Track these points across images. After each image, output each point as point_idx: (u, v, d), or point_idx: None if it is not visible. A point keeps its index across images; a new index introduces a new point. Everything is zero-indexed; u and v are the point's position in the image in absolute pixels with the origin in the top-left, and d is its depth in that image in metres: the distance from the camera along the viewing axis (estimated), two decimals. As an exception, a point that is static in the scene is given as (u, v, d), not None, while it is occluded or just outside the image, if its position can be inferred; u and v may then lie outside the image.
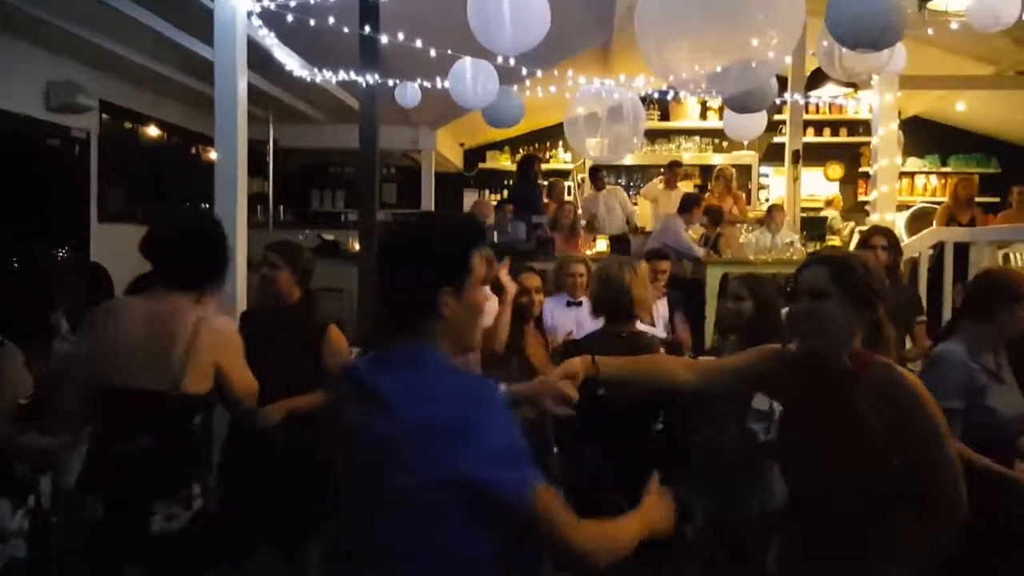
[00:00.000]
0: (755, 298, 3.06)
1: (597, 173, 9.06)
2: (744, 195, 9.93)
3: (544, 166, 11.41)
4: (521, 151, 11.41)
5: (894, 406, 1.85)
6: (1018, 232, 6.17)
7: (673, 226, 7.05)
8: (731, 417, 2.93)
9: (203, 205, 9.00)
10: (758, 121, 5.96)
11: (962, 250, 5.91)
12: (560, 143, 11.39)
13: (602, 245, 8.07)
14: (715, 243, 7.23)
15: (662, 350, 3.07)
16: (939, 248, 6.15)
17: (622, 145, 5.62)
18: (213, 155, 9.08)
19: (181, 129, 8.29)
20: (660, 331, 4.66)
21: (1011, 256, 6.08)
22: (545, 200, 8.81)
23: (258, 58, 5.78)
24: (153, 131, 7.85)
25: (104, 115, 6.89)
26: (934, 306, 5.62)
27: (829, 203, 10.72)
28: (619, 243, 8.00)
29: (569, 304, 4.44)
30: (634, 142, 5.85)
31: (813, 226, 10.37)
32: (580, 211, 8.47)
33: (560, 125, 10.84)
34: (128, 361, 2.39)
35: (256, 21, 5.06)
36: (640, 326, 3.27)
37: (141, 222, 7.54)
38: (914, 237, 6.82)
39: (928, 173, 11.06)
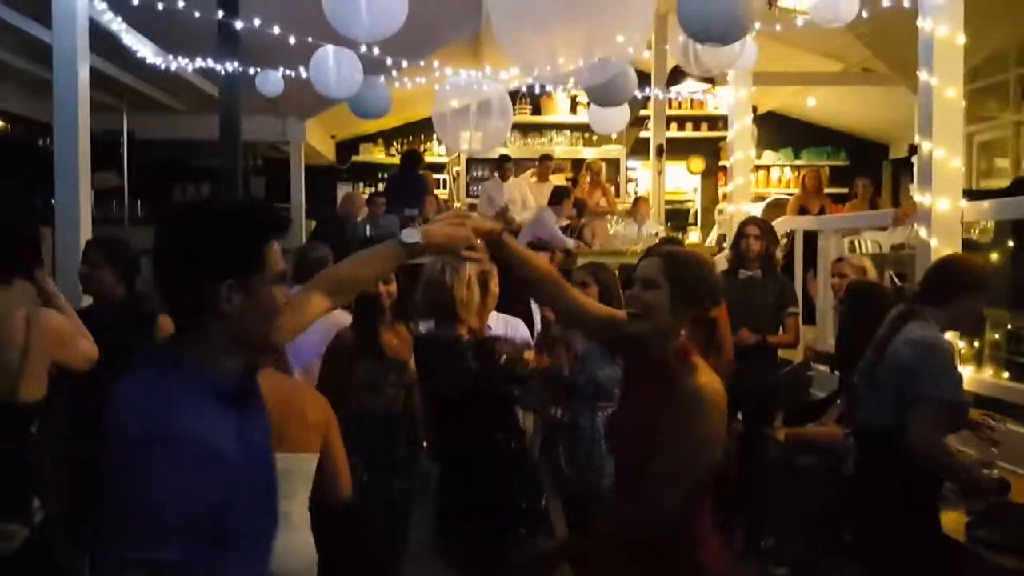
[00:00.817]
0: (599, 284, 3.17)
1: (504, 163, 8.98)
2: (613, 188, 10.19)
3: (417, 161, 11.39)
4: (396, 144, 11.33)
5: (682, 404, 1.90)
6: (862, 220, 6.57)
7: (545, 218, 7.14)
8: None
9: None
10: (621, 115, 6.11)
11: (811, 238, 6.26)
12: (435, 136, 11.34)
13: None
14: (579, 234, 7.39)
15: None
16: (791, 236, 6.49)
17: (494, 138, 5.65)
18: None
19: (24, 119, 7.76)
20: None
21: (856, 244, 6.48)
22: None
23: (105, 43, 5.48)
24: (-5, 121, 7.33)
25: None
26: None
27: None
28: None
29: None
30: (506, 135, 5.89)
31: (677, 217, 10.78)
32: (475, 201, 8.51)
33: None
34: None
35: (100, 4, 4.79)
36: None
37: None
38: (768, 226, 7.18)
39: (782, 166, 11.65)
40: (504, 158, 9.10)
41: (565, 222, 7.45)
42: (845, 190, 9.64)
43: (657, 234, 8.07)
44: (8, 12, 5.41)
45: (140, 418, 1.32)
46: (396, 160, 11.21)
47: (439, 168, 11.24)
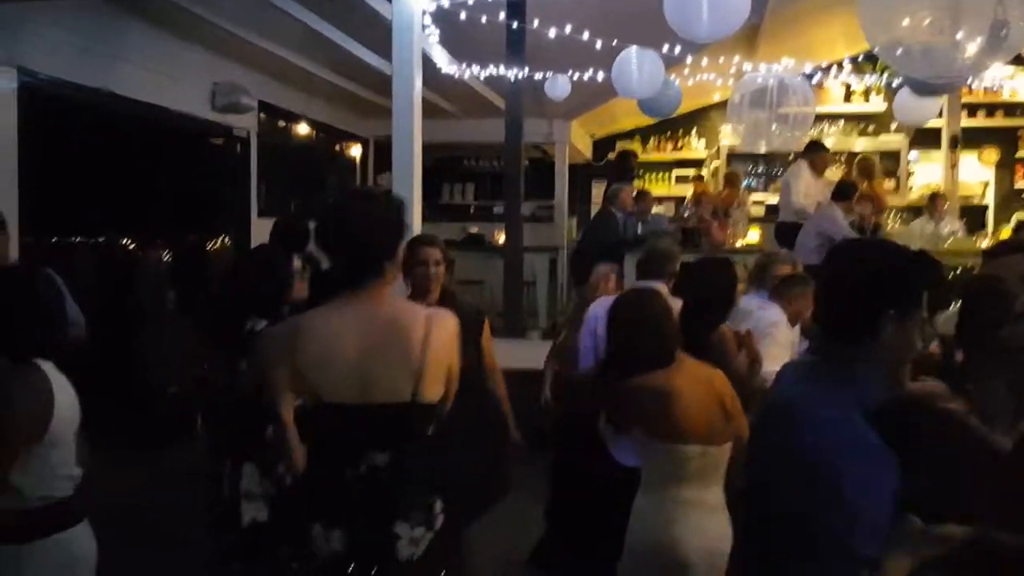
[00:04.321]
0: None
1: (816, 151, 7.91)
2: (885, 181, 9.44)
3: (675, 155, 11.22)
4: (652, 139, 11.22)
5: None
6: None
7: (834, 214, 6.73)
8: None
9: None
10: (934, 105, 5.63)
11: None
12: (693, 130, 11.12)
13: (754, 235, 7.83)
14: (874, 232, 6.90)
15: None
16: None
17: (800, 125, 5.43)
18: (354, 151, 9.43)
19: (327, 127, 8.53)
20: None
21: None
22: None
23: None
24: (303, 129, 8.10)
25: (261, 114, 7.14)
26: None
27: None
28: (786, 231, 7.51)
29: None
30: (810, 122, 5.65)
31: (969, 214, 9.79)
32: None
33: (693, 113, 10.81)
34: (356, 376, 2.14)
35: (432, 37, 5.12)
36: None
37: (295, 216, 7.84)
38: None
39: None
40: (817, 145, 8.01)
41: (851, 218, 7.00)
42: None
43: (955, 233, 7.42)
44: (331, 30, 5.95)
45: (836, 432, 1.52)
46: (652, 156, 11.15)
47: (697, 163, 11.02)
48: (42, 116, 4.90)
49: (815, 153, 7.65)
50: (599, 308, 3.86)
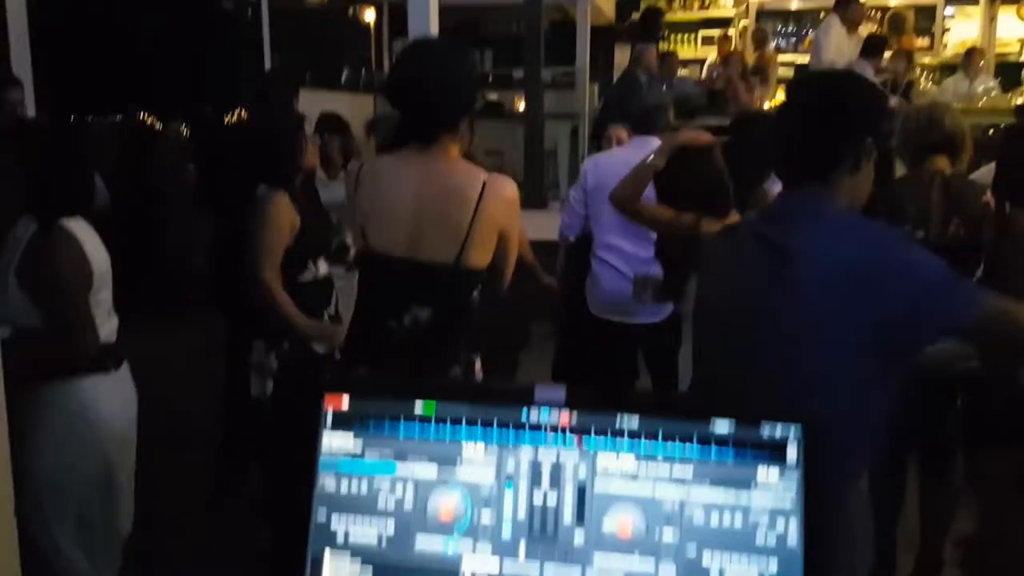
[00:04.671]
0: None
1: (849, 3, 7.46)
2: (918, 39, 9.04)
3: (702, 14, 10.78)
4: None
5: None
6: None
7: (860, 71, 6.50)
8: None
9: (362, 68, 9.08)
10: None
11: None
12: (722, -13, 10.63)
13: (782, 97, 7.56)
14: (906, 91, 6.66)
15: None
16: None
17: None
18: (368, 16, 9.12)
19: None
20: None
21: None
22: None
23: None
24: (315, -8, 7.84)
25: (272, -23, 6.90)
26: None
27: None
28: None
29: None
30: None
31: (1006, 72, 9.40)
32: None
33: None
34: (405, 230, 2.15)
35: None
36: None
37: (310, 86, 7.68)
38: None
39: None
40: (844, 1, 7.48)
41: (883, 76, 6.75)
42: None
43: (991, 91, 7.15)
44: None
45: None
46: (678, 16, 10.71)
47: (724, 23, 10.59)
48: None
49: (847, 7, 7.26)
50: (590, 164, 3.85)
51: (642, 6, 11.00)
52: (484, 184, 2.12)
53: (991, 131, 6.29)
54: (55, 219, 2.34)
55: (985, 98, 6.99)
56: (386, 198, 2.16)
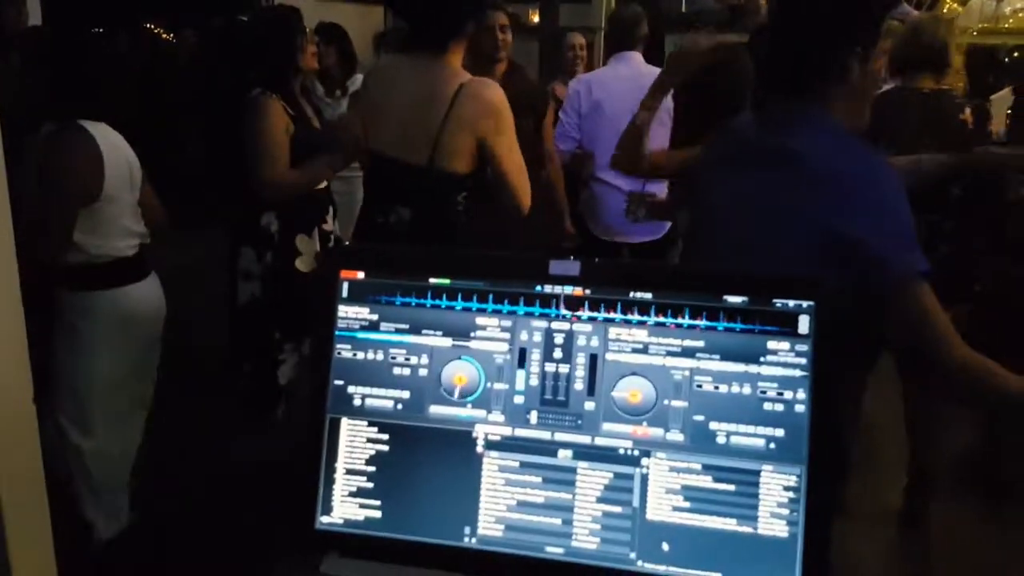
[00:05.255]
0: None
1: None
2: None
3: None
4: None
5: None
6: None
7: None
8: None
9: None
10: None
11: None
12: (744, -99, 10.24)
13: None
14: (932, 7, 6.48)
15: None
16: None
17: None
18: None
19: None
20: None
21: None
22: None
23: None
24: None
25: None
26: None
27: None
28: None
29: None
30: None
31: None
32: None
33: None
34: (391, 130, 2.27)
35: None
36: None
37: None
38: None
39: None
40: None
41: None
42: None
43: (1020, 11, 6.94)
44: None
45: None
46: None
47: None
48: None
49: None
50: (581, 86, 3.78)
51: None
52: (460, 87, 2.15)
53: (1015, 53, 6.14)
54: (73, 119, 2.34)
55: (1012, 19, 6.80)
56: (380, 99, 2.25)
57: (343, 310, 1.10)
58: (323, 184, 2.98)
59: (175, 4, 7.34)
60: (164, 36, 7.34)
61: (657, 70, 3.41)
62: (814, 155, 1.40)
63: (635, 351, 1.03)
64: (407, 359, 1.08)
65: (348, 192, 3.98)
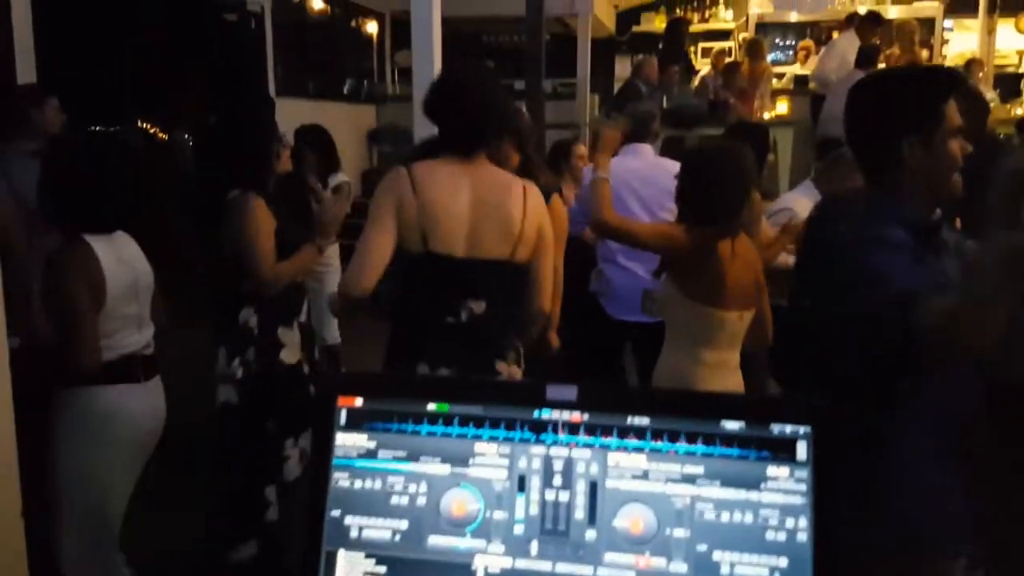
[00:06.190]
0: None
1: (871, 22, 7.93)
2: (925, 51, 9.12)
3: (702, 26, 10.83)
4: (679, 9, 10.81)
5: None
6: None
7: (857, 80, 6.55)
8: None
9: (364, 80, 9.12)
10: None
11: None
12: (720, 1, 10.70)
13: (782, 108, 7.62)
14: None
15: None
16: None
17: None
18: (371, 28, 9.17)
19: (342, 1, 8.29)
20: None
21: None
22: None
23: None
24: (318, 4, 7.88)
25: (274, -12, 6.95)
26: None
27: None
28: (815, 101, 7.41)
29: None
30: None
31: (1005, 83, 9.46)
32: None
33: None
34: (462, 230, 2.33)
35: None
36: None
37: (313, 97, 7.71)
38: None
39: None
40: (874, 17, 7.85)
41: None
42: None
43: (991, 102, 7.18)
44: None
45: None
46: (678, 29, 10.77)
47: (724, 35, 10.65)
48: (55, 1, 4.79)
49: (856, 22, 7.55)
50: (589, 170, 3.88)
51: (642, 19, 11.08)
52: (524, 188, 2.41)
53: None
54: (76, 233, 2.37)
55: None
56: (447, 202, 2.31)
57: (341, 438, 1.10)
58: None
59: (171, 102, 7.49)
60: (160, 135, 7.47)
61: (666, 161, 3.57)
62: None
63: (635, 477, 1.03)
64: (405, 487, 1.07)
65: (317, 286, 4.02)
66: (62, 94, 5.06)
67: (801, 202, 3.72)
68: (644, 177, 3.73)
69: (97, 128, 7.48)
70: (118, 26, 6.65)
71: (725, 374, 2.65)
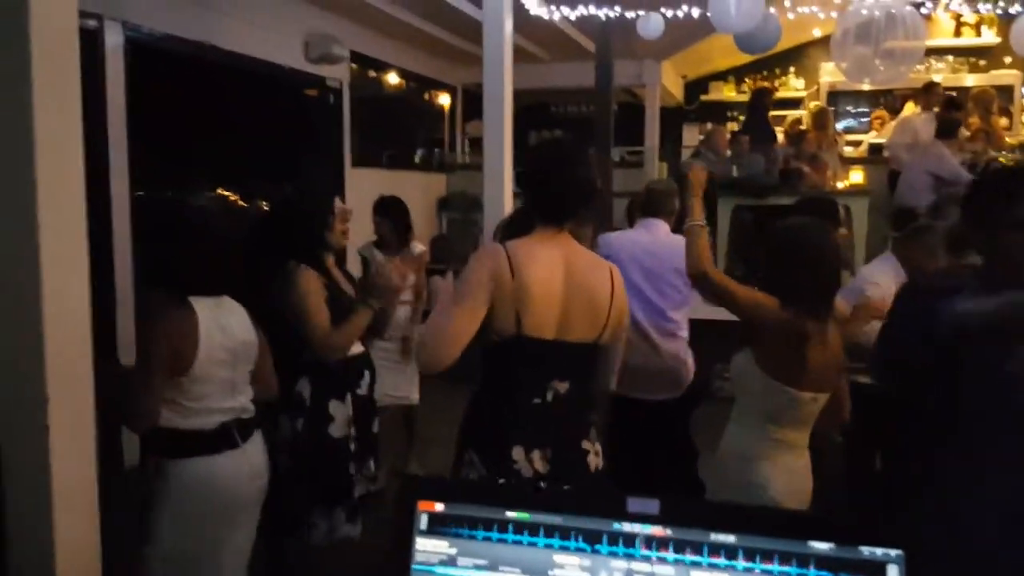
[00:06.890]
0: None
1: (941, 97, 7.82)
2: (1005, 120, 8.94)
3: (776, 95, 10.81)
4: (748, 80, 10.84)
5: None
6: None
7: (937, 152, 6.42)
8: None
9: (435, 149, 9.36)
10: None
11: None
12: (791, 69, 10.70)
13: (856, 177, 7.51)
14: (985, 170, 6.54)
15: None
16: None
17: (904, 59, 5.17)
18: (443, 99, 9.44)
19: (417, 75, 8.56)
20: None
21: None
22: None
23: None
24: (393, 78, 8.15)
25: (353, 64, 7.22)
26: None
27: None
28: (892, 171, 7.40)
29: None
30: (919, 56, 5.38)
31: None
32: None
33: (790, 50, 10.38)
34: (555, 314, 2.30)
35: None
36: None
37: (386, 166, 7.94)
38: None
39: None
40: (953, 103, 7.59)
41: (962, 156, 6.66)
42: None
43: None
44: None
45: None
46: (747, 98, 10.78)
47: (795, 104, 10.61)
48: (146, 70, 5.07)
49: (928, 92, 7.55)
50: (602, 241, 3.84)
51: (710, 88, 11.14)
52: (611, 270, 2.41)
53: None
54: (183, 296, 2.44)
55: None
56: (543, 286, 2.29)
57: (420, 543, 1.10)
58: (359, 349, 3.06)
59: (251, 174, 7.78)
60: (240, 203, 7.75)
61: (676, 238, 3.55)
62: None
63: (719, 597, 1.01)
64: (485, 597, 1.07)
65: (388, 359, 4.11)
66: (151, 167, 5.33)
67: (887, 275, 3.63)
68: (652, 252, 3.70)
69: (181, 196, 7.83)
70: (211, 103, 6.97)
71: (794, 452, 2.57)
